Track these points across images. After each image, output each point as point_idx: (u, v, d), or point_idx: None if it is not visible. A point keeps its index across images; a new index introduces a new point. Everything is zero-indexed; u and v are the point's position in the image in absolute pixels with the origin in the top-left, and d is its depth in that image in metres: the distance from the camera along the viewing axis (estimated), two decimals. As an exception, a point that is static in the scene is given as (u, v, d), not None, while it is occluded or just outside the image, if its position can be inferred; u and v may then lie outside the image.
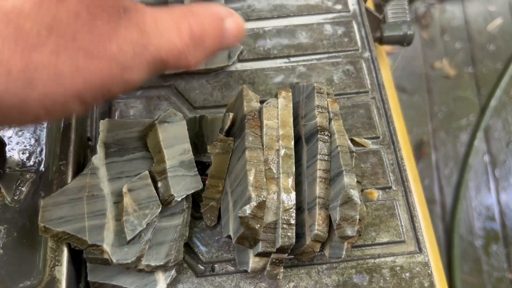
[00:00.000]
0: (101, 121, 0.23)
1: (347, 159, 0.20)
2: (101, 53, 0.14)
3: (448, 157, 0.92)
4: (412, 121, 0.96)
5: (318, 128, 0.21)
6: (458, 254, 0.81)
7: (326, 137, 0.21)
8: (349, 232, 0.19)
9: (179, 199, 0.20)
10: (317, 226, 0.19)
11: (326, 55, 0.27)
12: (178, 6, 0.17)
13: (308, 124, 0.22)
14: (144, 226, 0.20)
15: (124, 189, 0.20)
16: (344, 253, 0.19)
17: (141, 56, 0.15)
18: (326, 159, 0.21)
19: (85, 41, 0.13)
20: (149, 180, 0.21)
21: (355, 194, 0.19)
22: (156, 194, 0.21)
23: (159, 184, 0.21)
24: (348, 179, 0.19)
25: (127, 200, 0.20)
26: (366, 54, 0.27)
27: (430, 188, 0.88)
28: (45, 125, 0.23)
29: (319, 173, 0.20)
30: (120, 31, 0.14)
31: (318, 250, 0.20)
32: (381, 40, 0.33)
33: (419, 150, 0.92)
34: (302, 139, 0.22)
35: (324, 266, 0.22)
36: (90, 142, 0.25)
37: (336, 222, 0.19)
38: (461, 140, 0.94)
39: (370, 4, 0.36)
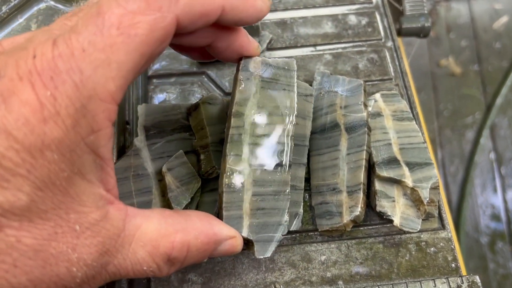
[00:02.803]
0: (139, 106, 0.24)
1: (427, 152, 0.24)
2: (42, 276, 0.13)
3: (453, 154, 0.93)
4: (418, 118, 0.97)
5: (366, 122, 0.24)
6: (463, 252, 0.82)
7: (369, 132, 0.24)
8: (435, 213, 0.23)
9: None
10: (360, 208, 0.22)
11: (351, 44, 0.28)
12: (174, 214, 0.16)
13: (352, 116, 0.24)
14: (189, 200, 0.21)
15: (164, 169, 0.22)
16: (419, 227, 0.22)
17: (96, 277, 0.14)
18: (368, 151, 0.23)
19: (28, 267, 0.12)
20: (185, 158, 0.22)
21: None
22: (194, 170, 0.22)
23: (202, 157, 0.22)
24: (436, 171, 0.23)
25: (168, 178, 0.21)
26: (389, 44, 0.28)
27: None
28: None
29: (364, 163, 0.23)
30: (74, 250, 0.13)
31: (349, 229, 0.22)
32: (399, 32, 0.34)
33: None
34: (341, 127, 0.24)
35: (353, 241, 0.23)
36: (128, 126, 0.26)
37: (427, 199, 0.22)
38: (466, 138, 0.95)
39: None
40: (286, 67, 0.20)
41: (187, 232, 0.16)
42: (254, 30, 0.27)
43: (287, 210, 0.19)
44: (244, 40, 0.19)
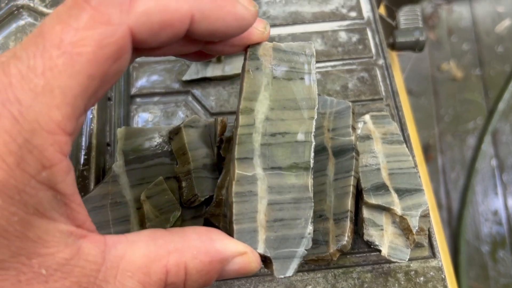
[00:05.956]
0: (118, 129, 0.23)
1: (418, 177, 0.23)
2: None
3: (454, 161, 0.92)
4: (418, 124, 0.96)
5: (354, 146, 0.23)
6: (464, 260, 0.81)
7: (358, 157, 0.23)
8: (424, 242, 0.22)
9: (203, 199, 0.21)
10: (346, 237, 0.21)
11: (341, 62, 0.27)
12: (166, 234, 0.14)
13: (340, 139, 0.23)
14: (166, 231, 0.20)
15: (142, 197, 0.21)
16: (408, 257, 0.21)
17: None
18: (356, 176, 0.22)
19: None
20: (165, 185, 0.21)
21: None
22: (174, 198, 0.21)
23: (183, 184, 0.21)
24: (426, 198, 0.22)
25: (146, 207, 0.21)
26: (380, 62, 0.27)
27: (437, 192, 0.87)
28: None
29: (352, 189, 0.22)
30: None
31: (336, 259, 0.21)
32: (393, 46, 0.33)
33: (425, 154, 0.91)
34: (329, 151, 0.23)
35: (340, 270, 0.22)
36: (109, 147, 0.25)
37: (416, 228, 0.21)
38: (468, 143, 0.93)
39: (382, 11, 0.36)
40: (302, 52, 0.17)
41: (183, 252, 0.14)
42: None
43: (310, 220, 0.16)
44: None
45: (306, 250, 0.16)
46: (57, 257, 0.12)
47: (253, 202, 0.16)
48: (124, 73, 0.27)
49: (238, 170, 0.16)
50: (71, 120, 0.12)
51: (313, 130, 0.17)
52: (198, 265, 0.14)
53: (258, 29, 0.17)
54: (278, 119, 0.17)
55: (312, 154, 0.17)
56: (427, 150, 0.91)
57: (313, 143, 0.17)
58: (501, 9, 1.04)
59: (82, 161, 0.23)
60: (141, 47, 0.14)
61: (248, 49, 0.17)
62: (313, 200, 0.16)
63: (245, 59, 0.17)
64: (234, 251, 0.15)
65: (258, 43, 0.17)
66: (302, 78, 0.17)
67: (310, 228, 0.16)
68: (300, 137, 0.17)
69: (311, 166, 0.16)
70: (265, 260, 0.16)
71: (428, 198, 0.33)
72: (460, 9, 1.03)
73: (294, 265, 0.16)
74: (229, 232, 0.16)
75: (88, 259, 0.13)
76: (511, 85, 0.94)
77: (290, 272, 0.16)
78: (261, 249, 0.15)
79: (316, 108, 0.17)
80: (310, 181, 0.16)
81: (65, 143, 0.12)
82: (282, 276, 0.16)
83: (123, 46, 0.12)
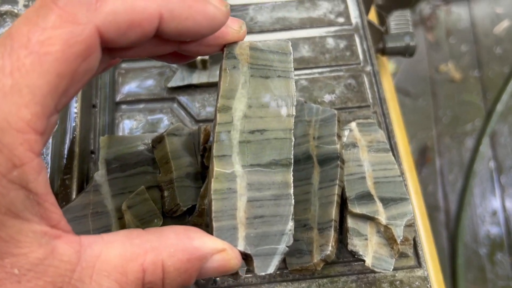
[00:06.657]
0: (101, 137, 0.23)
1: (403, 186, 0.23)
2: None
3: (452, 163, 0.92)
4: (416, 125, 0.96)
5: (339, 155, 0.22)
6: (462, 263, 0.81)
7: (343, 165, 0.22)
8: (409, 252, 0.22)
9: (185, 209, 0.21)
10: (330, 247, 0.20)
11: (328, 69, 0.27)
12: (143, 233, 0.14)
13: (325, 148, 0.23)
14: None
15: (123, 207, 0.21)
16: (392, 267, 0.21)
17: None
18: (341, 185, 0.22)
19: None
20: (147, 195, 0.21)
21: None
22: (155, 208, 0.21)
23: (166, 193, 0.21)
24: (411, 207, 0.22)
25: (127, 217, 0.21)
26: (368, 68, 0.27)
27: (434, 194, 0.87)
28: (49, 139, 0.23)
29: (336, 198, 0.21)
30: None
31: (320, 268, 0.21)
32: (383, 51, 0.33)
33: (423, 156, 0.91)
34: (314, 159, 0.23)
35: (325, 280, 0.22)
36: (93, 155, 0.25)
37: (400, 238, 0.21)
38: (466, 145, 0.93)
39: (373, 15, 0.36)
40: (280, 51, 0.17)
41: (159, 250, 0.14)
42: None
43: (291, 217, 0.16)
44: None
45: (287, 246, 0.16)
46: (30, 257, 0.12)
47: (232, 199, 0.16)
48: (109, 79, 0.27)
49: (217, 168, 0.16)
50: (41, 119, 0.12)
51: (292, 127, 0.17)
52: (176, 263, 0.14)
53: (234, 29, 0.17)
54: (256, 116, 0.17)
55: (292, 151, 0.16)
56: (425, 152, 0.91)
57: (293, 140, 0.17)
58: (500, 10, 1.04)
59: (63, 169, 0.22)
60: (111, 47, 0.14)
61: (225, 48, 0.17)
62: (293, 197, 0.16)
63: (222, 59, 0.17)
64: (213, 248, 0.14)
65: (235, 42, 0.17)
66: (279, 76, 0.17)
67: (290, 224, 0.16)
68: (279, 134, 0.17)
69: (291, 162, 0.16)
70: (246, 258, 0.16)
71: (418, 205, 0.33)
72: (459, 10, 1.03)
73: (275, 262, 0.16)
74: (209, 230, 0.16)
75: (62, 259, 0.13)
76: (509, 87, 0.94)
77: (271, 269, 0.15)
78: (241, 246, 0.15)
79: (294, 105, 0.17)
80: (290, 178, 0.16)
81: (36, 142, 0.12)
82: (263, 274, 0.16)
83: (91, 44, 0.13)
